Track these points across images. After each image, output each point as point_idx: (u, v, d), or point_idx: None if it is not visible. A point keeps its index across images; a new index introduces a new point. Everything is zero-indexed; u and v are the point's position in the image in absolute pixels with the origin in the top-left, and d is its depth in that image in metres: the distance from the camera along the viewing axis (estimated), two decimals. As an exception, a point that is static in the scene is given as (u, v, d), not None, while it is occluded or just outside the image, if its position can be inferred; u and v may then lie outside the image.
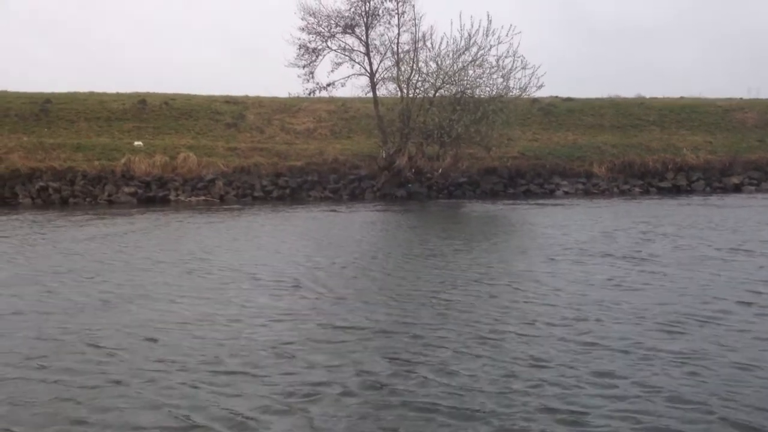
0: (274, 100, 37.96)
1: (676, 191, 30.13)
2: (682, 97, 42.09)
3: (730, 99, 41.11)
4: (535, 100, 35.78)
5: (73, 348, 6.88)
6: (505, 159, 30.88)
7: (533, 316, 7.85)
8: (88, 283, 10.31)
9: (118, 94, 36.87)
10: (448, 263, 11.81)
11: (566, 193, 29.90)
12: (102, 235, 16.57)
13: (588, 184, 30.58)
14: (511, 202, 27.05)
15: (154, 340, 7.11)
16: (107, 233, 17.13)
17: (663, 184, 30.59)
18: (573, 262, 11.58)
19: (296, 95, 34.24)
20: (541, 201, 27.13)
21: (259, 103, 37.36)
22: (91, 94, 36.72)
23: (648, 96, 41.94)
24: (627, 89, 58.90)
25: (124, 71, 79.59)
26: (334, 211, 23.78)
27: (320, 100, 36.58)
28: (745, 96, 41.88)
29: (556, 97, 39.64)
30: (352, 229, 18.43)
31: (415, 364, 6.19)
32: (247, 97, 38.58)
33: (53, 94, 35.43)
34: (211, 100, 37.29)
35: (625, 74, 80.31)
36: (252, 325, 7.66)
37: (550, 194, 29.91)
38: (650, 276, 10.24)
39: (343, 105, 37.35)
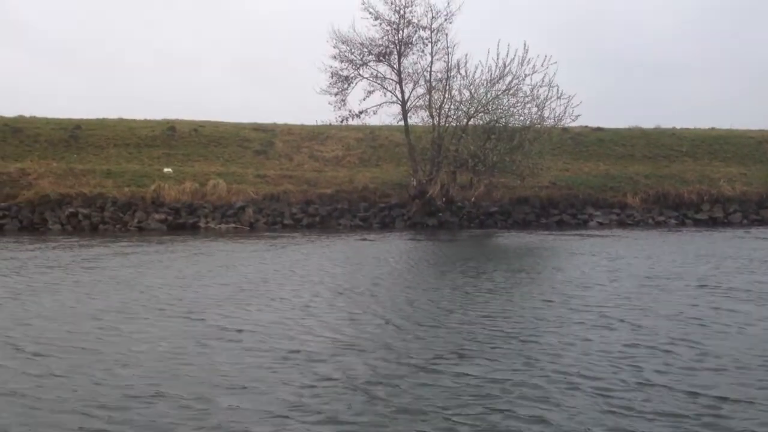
0: (303, 128, 37.89)
1: (712, 223, 29.55)
2: (713, 128, 41.65)
3: (762, 130, 40.59)
4: (564, 130, 35.39)
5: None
6: (538, 189, 30.49)
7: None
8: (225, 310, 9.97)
9: (146, 121, 36.90)
10: (522, 300, 11.38)
11: (600, 224, 29.39)
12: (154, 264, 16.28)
13: (622, 215, 30.09)
14: (545, 232, 26.62)
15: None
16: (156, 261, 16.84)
17: (699, 216, 30.05)
18: (663, 291, 11.12)
19: (328, 123, 34.04)
20: (575, 231, 26.64)
21: (288, 130, 37.26)
22: (121, 120, 36.80)
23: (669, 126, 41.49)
24: (645, 121, 58.36)
25: (145, 99, 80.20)
26: (370, 240, 23.38)
27: (348, 127, 36.41)
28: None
29: (586, 126, 39.25)
30: (401, 259, 17.98)
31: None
32: (275, 124, 38.54)
33: (82, 120, 35.51)
34: (239, 127, 37.25)
35: (641, 106, 79.87)
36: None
37: (584, 225, 29.44)
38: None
39: (371, 133, 37.19)
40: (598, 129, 39.32)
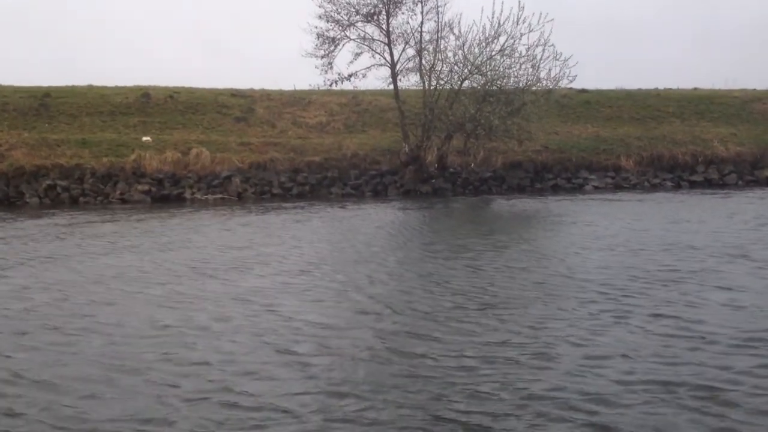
0: (282, 94, 36.49)
1: (708, 185, 29.14)
2: (696, 89, 41.16)
3: (744, 90, 40.27)
4: (548, 92, 34.59)
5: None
6: (531, 153, 29.74)
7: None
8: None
9: (118, 88, 35.18)
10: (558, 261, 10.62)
11: (596, 187, 28.84)
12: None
13: (617, 178, 29.54)
14: (541, 197, 26.02)
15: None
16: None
17: (694, 178, 29.60)
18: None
19: (315, 87, 32.55)
20: (571, 196, 26.10)
21: (267, 96, 35.85)
22: (91, 87, 35.00)
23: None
24: (609, 83, 57.69)
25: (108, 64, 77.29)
26: (369, 208, 22.53)
27: (330, 92, 35.13)
28: (758, 87, 41.13)
29: (570, 88, 38.46)
30: (412, 228, 17.14)
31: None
32: (253, 90, 37.06)
33: (51, 88, 33.70)
34: (216, 93, 35.71)
35: (608, 68, 79.19)
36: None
37: (579, 189, 28.87)
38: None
39: (354, 97, 35.96)
40: (583, 91, 38.56)
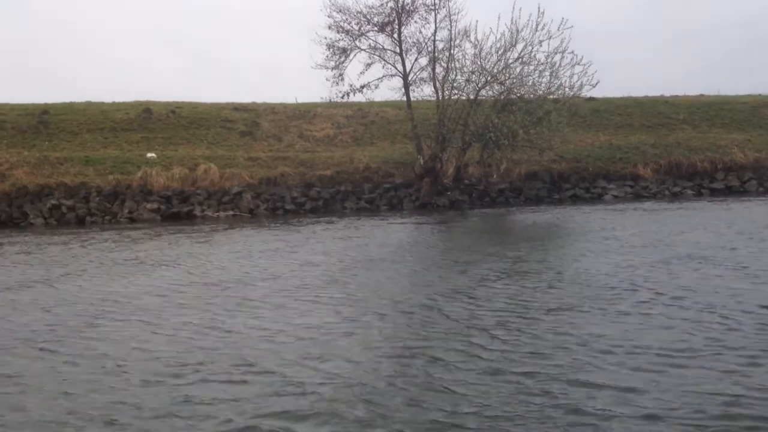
0: (286, 107, 35.67)
1: (728, 192, 28.51)
2: (702, 95, 40.74)
3: (751, 95, 39.92)
4: (556, 100, 33.91)
5: None
6: (546, 163, 29.05)
7: None
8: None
9: (118, 104, 34.26)
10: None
11: (615, 197, 28.15)
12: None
13: (636, 187, 28.86)
14: (561, 207, 25.30)
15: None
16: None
17: (715, 185, 28.95)
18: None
19: (326, 99, 31.61)
20: (591, 206, 25.35)
21: (271, 109, 35.00)
22: (90, 104, 34.05)
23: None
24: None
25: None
26: (391, 222, 21.69)
27: (335, 105, 34.28)
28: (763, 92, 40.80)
29: (577, 96, 37.85)
30: (443, 244, 16.32)
31: None
32: (256, 103, 36.21)
33: (49, 105, 32.73)
34: (218, 107, 34.87)
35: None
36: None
37: (599, 198, 28.19)
38: None
39: (360, 109, 35.20)
40: (591, 99, 37.92)
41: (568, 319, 8.04)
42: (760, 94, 40.53)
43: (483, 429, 4.92)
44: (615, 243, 14.53)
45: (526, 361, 6.43)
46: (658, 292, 9.17)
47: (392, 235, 18.64)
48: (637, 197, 28.11)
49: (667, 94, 40.83)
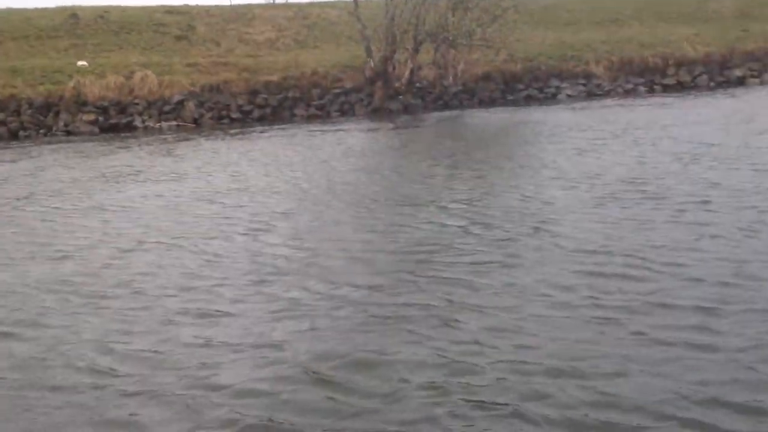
0: (222, 9, 33.73)
1: (680, 88, 28.24)
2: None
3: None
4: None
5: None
6: (497, 63, 28.16)
7: None
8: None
9: (41, 9, 31.89)
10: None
11: (569, 96, 27.53)
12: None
13: (589, 85, 28.27)
14: (515, 108, 24.77)
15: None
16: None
17: (667, 81, 28.60)
18: None
19: (265, 1, 29.95)
20: (546, 106, 24.92)
21: (206, 12, 33.07)
22: (10, 10, 31.56)
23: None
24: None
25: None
26: (343, 130, 20.82)
27: (274, 6, 32.78)
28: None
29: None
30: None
31: None
32: (188, 6, 34.16)
33: (-35, 12, 30.27)
34: (150, 11, 32.81)
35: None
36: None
37: (553, 98, 27.54)
38: None
39: (301, 11, 33.53)
40: (537, -6, 36.99)
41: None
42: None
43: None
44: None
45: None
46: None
47: (347, 141, 17.84)
48: (590, 95, 27.60)
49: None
